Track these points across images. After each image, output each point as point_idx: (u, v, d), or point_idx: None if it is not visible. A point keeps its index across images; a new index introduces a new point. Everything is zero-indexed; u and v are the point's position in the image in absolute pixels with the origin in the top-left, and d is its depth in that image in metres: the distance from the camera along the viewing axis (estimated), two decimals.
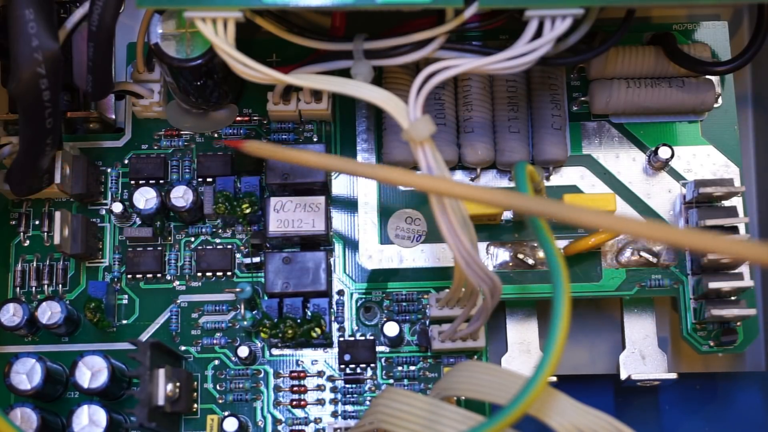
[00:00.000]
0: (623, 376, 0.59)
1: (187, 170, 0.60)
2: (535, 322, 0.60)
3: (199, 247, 0.59)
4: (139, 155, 0.60)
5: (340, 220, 0.60)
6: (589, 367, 0.63)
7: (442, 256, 0.59)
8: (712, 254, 0.55)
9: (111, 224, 0.60)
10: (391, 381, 0.58)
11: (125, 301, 0.59)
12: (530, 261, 0.58)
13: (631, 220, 0.39)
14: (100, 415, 0.52)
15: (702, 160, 0.60)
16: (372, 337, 0.58)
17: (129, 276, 0.59)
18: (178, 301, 0.59)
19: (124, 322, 0.59)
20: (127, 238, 0.59)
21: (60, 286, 0.59)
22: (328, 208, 0.58)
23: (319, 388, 0.57)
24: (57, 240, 0.55)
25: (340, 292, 0.59)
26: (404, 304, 0.58)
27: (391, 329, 0.56)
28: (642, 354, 0.59)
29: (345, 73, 0.51)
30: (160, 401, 0.51)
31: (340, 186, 0.60)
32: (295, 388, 0.57)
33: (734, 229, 0.57)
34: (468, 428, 0.43)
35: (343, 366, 0.57)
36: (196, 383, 0.57)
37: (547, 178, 0.60)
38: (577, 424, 0.43)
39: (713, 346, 0.59)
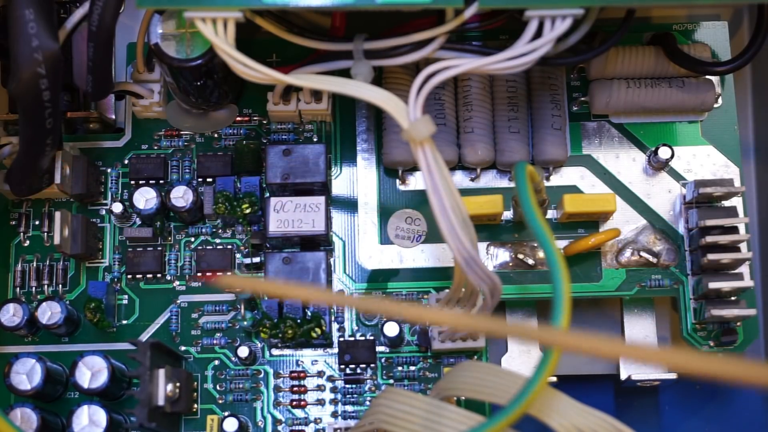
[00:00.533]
0: (623, 376, 0.59)
1: (187, 170, 0.60)
2: (535, 323, 0.60)
3: (199, 247, 0.59)
4: (139, 155, 0.60)
5: (340, 220, 0.60)
6: (589, 367, 0.63)
7: (442, 256, 0.59)
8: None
9: (111, 224, 0.60)
10: (391, 381, 0.58)
11: (125, 302, 0.59)
12: (530, 261, 0.58)
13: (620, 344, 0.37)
14: (100, 415, 0.52)
15: (702, 160, 0.60)
16: (372, 338, 0.58)
17: (129, 276, 0.59)
18: (178, 302, 0.59)
19: (124, 322, 0.59)
20: (127, 238, 0.59)
21: (60, 286, 0.59)
22: (328, 208, 0.58)
23: (319, 388, 0.57)
24: (57, 240, 0.55)
25: (340, 293, 0.59)
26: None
27: (391, 329, 0.56)
28: None
29: (345, 73, 0.51)
30: (160, 401, 0.51)
31: (340, 186, 0.60)
32: (295, 389, 0.57)
33: (734, 229, 0.57)
34: (468, 428, 0.43)
35: (343, 366, 0.57)
36: (196, 383, 0.57)
37: (547, 179, 0.60)
38: (577, 424, 0.43)
39: (713, 346, 0.59)
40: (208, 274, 0.58)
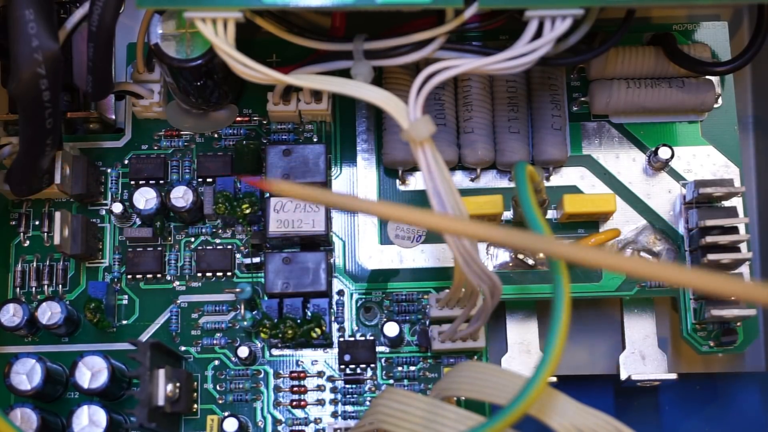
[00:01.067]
0: (623, 376, 0.59)
1: (187, 170, 0.60)
2: (535, 322, 0.60)
3: (199, 248, 0.59)
4: (139, 155, 0.60)
5: (340, 220, 0.60)
6: (589, 367, 0.63)
7: (442, 256, 0.59)
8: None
9: (111, 224, 0.60)
10: (391, 381, 0.58)
11: (125, 302, 0.59)
12: (530, 261, 0.58)
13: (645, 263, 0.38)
14: (100, 416, 0.52)
15: (702, 161, 0.60)
16: (372, 338, 0.58)
17: (129, 276, 0.59)
18: (178, 302, 0.59)
19: (124, 322, 0.59)
20: (127, 239, 0.59)
21: (60, 286, 0.59)
22: (328, 208, 0.58)
23: (319, 388, 0.57)
24: (57, 240, 0.55)
25: (340, 293, 0.59)
26: (404, 304, 0.58)
27: (391, 329, 0.56)
28: (642, 354, 0.59)
29: (345, 73, 0.51)
30: (160, 401, 0.51)
31: (340, 186, 0.60)
32: (295, 389, 0.57)
33: (734, 230, 0.57)
34: (468, 428, 0.43)
35: (343, 366, 0.57)
36: (196, 383, 0.57)
37: (547, 179, 0.60)
38: (577, 424, 0.43)
39: (713, 347, 0.59)
40: (251, 179, 0.56)
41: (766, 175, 0.65)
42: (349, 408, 0.57)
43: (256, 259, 0.58)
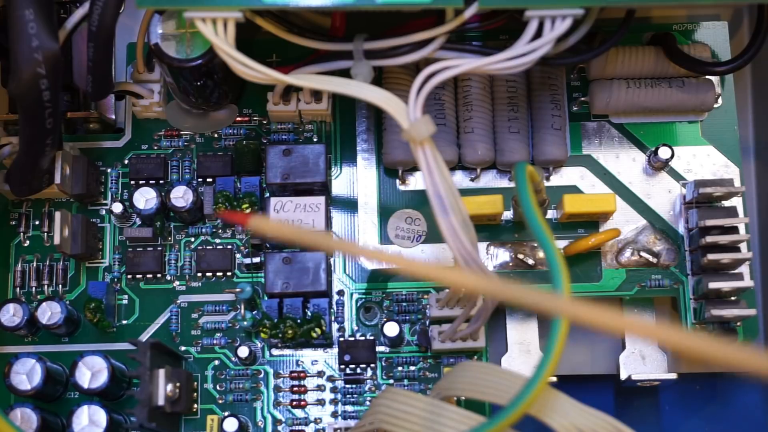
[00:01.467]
0: (623, 376, 0.59)
1: (187, 170, 0.60)
2: (535, 322, 0.60)
3: (199, 248, 0.59)
4: (139, 155, 0.60)
5: (340, 220, 0.60)
6: (589, 367, 0.63)
7: (442, 256, 0.59)
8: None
9: (111, 224, 0.60)
10: (391, 381, 0.58)
11: (125, 302, 0.59)
12: (530, 261, 0.58)
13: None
14: (100, 415, 0.52)
15: (702, 160, 0.60)
16: (372, 338, 0.58)
17: (129, 276, 0.59)
18: (178, 302, 0.59)
19: (124, 322, 0.59)
20: (127, 239, 0.59)
21: (60, 286, 0.59)
22: (328, 208, 0.58)
23: (319, 388, 0.57)
24: (57, 240, 0.55)
25: (340, 292, 0.59)
26: (404, 304, 0.58)
27: (391, 329, 0.56)
28: (642, 354, 0.59)
29: (345, 73, 0.51)
30: (160, 401, 0.51)
31: (340, 186, 0.60)
32: (295, 389, 0.57)
33: (734, 230, 0.57)
34: (468, 428, 0.43)
35: (343, 366, 0.57)
36: (196, 383, 0.57)
37: (547, 179, 0.60)
38: (577, 424, 0.43)
39: None
40: (227, 211, 0.56)
41: (766, 175, 0.65)
42: (349, 408, 0.57)
43: (256, 259, 0.58)
